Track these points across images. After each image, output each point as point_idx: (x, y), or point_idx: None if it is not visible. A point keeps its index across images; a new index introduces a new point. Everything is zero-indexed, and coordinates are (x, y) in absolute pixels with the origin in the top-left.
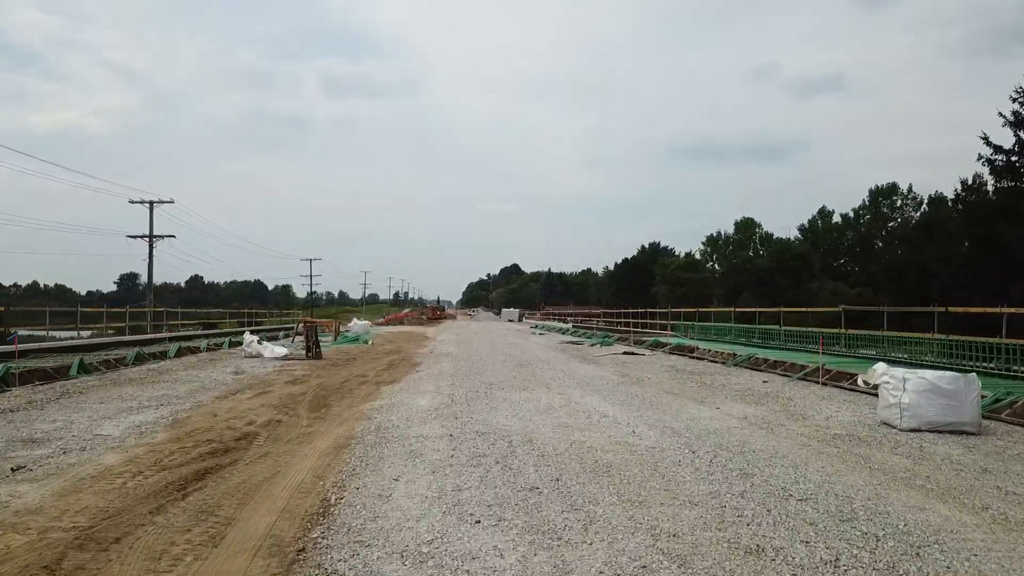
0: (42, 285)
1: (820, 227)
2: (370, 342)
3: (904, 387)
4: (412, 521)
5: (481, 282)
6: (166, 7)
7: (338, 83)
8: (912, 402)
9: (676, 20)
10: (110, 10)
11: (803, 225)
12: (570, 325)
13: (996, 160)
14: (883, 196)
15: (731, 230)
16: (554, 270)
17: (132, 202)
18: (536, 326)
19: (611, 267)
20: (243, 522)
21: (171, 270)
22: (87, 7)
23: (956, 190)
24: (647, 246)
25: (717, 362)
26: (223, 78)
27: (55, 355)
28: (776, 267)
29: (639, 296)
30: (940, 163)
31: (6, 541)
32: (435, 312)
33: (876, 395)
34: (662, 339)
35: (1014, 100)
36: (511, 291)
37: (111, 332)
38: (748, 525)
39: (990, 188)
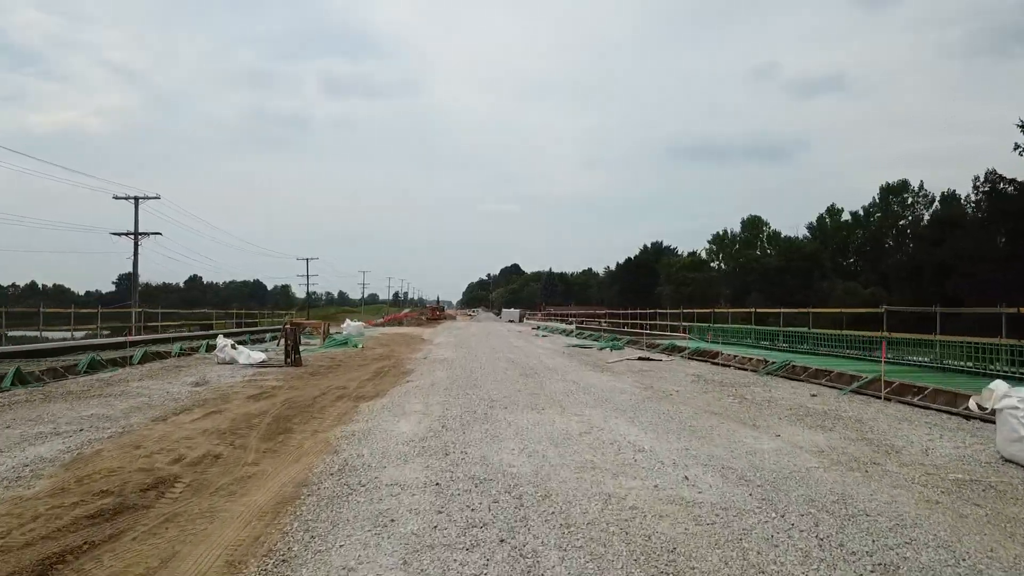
0: (40, 285)
1: (829, 225)
2: (360, 346)
3: None
4: None
5: (481, 282)
6: (166, 7)
7: (338, 83)
8: None
9: (676, 20)
10: (110, 10)
11: (811, 223)
12: (573, 326)
13: None
14: (893, 193)
15: (737, 229)
16: (554, 270)
17: (116, 198)
18: (538, 327)
19: (612, 267)
20: None
21: (170, 270)
22: (87, 7)
23: (976, 184)
24: (649, 246)
25: (745, 369)
26: (223, 78)
27: (10, 360)
28: (785, 266)
29: (643, 296)
30: (940, 163)
31: None
32: (434, 313)
33: (959, 415)
34: (679, 342)
35: None
36: (511, 291)
37: (106, 333)
38: None
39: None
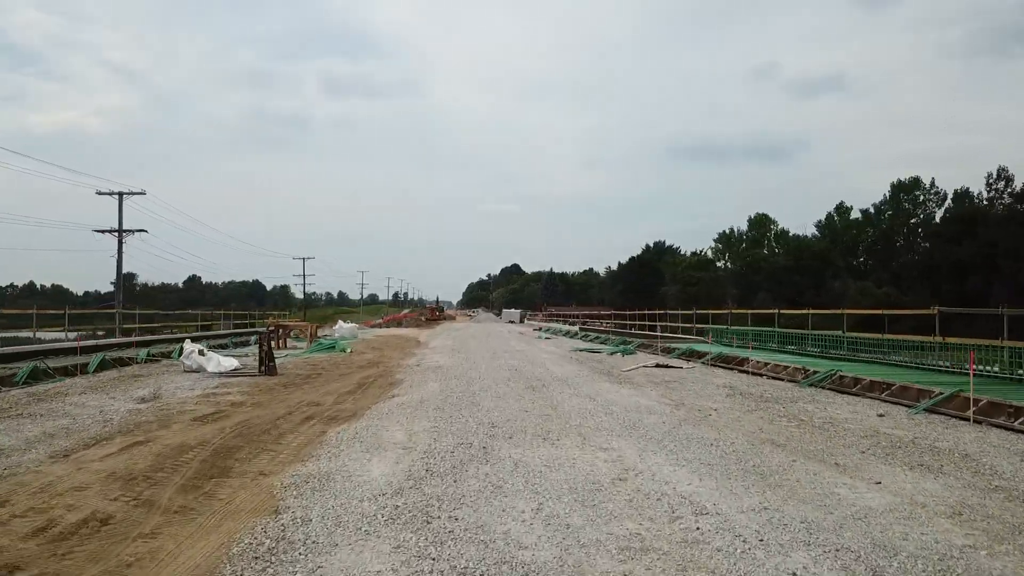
0: (39, 286)
1: (838, 224)
2: (348, 350)
3: None
4: None
5: (481, 282)
6: (166, 7)
7: (338, 83)
8: None
9: (676, 20)
10: (110, 10)
11: (820, 221)
12: (577, 327)
13: None
14: (904, 191)
15: (741, 227)
16: (554, 270)
17: (100, 193)
18: (540, 328)
19: (614, 267)
20: None
21: (169, 270)
22: (87, 7)
23: (989, 182)
24: (651, 245)
25: (780, 379)
26: (223, 78)
27: None
28: (794, 266)
29: (647, 296)
30: (940, 163)
31: None
32: (433, 313)
33: None
34: (697, 346)
35: None
36: (512, 291)
37: (101, 334)
38: None
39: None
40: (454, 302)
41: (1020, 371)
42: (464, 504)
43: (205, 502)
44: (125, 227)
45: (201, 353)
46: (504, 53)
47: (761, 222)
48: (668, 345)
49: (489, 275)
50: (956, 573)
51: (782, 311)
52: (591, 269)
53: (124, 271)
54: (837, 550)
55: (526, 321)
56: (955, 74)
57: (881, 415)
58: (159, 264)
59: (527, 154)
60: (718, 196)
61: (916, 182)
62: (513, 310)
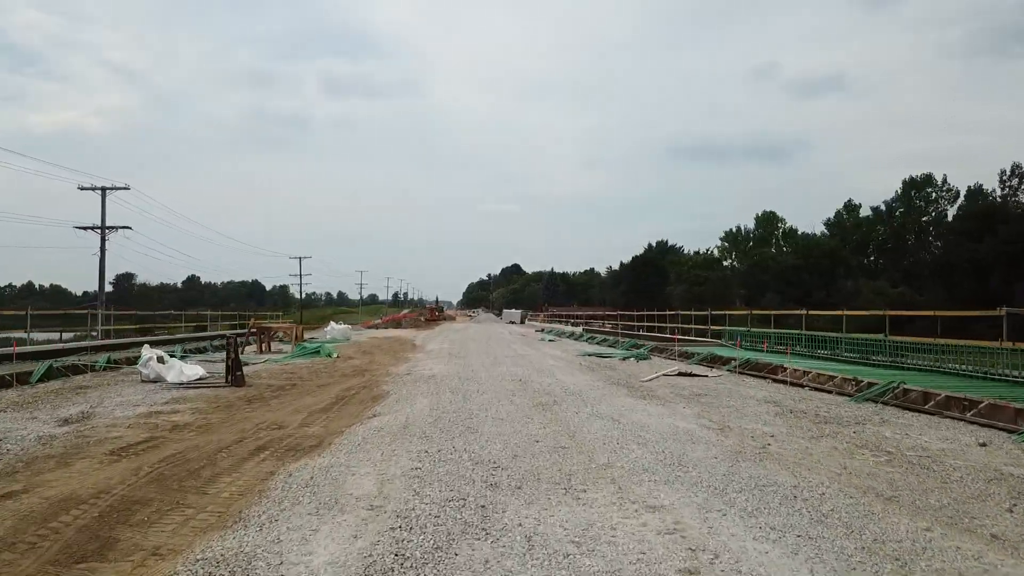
0: (37, 286)
1: (847, 221)
2: (335, 355)
3: None
4: None
5: (481, 282)
6: (166, 7)
7: (338, 83)
8: None
9: (676, 20)
10: (110, 10)
11: (829, 219)
12: (580, 329)
13: None
14: (916, 188)
15: (742, 226)
16: (555, 270)
17: (82, 188)
18: (542, 329)
19: (615, 266)
20: None
21: (169, 270)
22: (87, 7)
23: (1003, 179)
24: (654, 244)
25: (827, 391)
26: (223, 78)
27: None
28: (803, 264)
29: (651, 296)
30: (940, 163)
31: None
32: (433, 314)
33: None
34: (719, 351)
35: None
36: (512, 291)
37: (95, 335)
38: None
39: None
40: (454, 302)
41: None
42: None
43: None
44: (113, 224)
45: (160, 360)
46: (504, 53)
47: (769, 220)
48: (685, 349)
49: (489, 275)
50: None
51: (811, 312)
52: (592, 269)
53: (123, 271)
54: None
55: (527, 322)
56: (955, 74)
57: (983, 444)
58: (147, 263)
59: (527, 154)
60: (718, 196)
61: (928, 179)
62: (514, 310)
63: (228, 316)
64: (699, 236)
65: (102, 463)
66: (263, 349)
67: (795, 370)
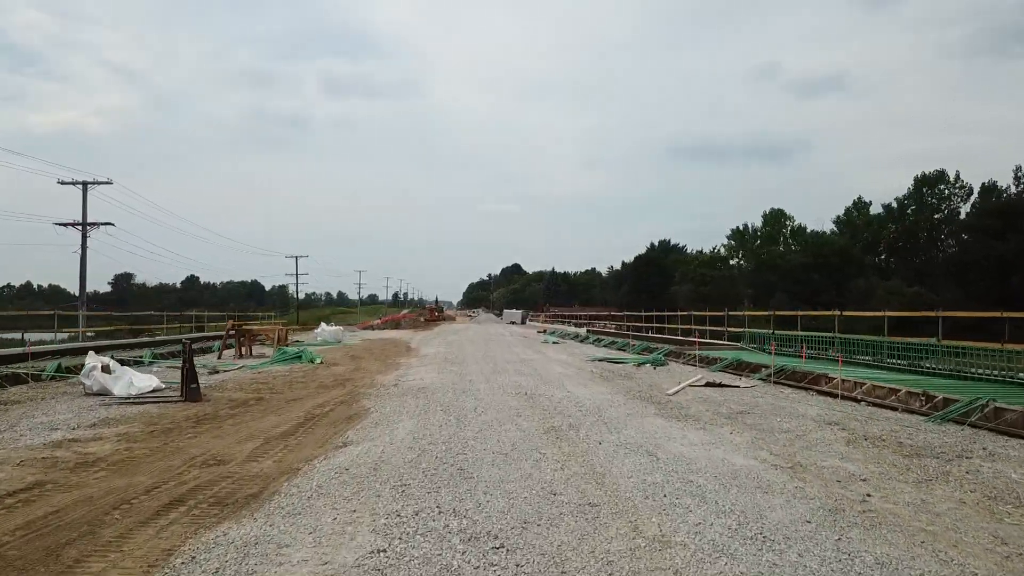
0: (36, 286)
1: (857, 219)
2: (318, 360)
3: None
4: None
5: (482, 282)
6: (166, 7)
7: (338, 83)
8: None
9: (676, 20)
10: (110, 10)
11: (839, 217)
12: (584, 330)
13: None
14: (928, 185)
15: (756, 223)
16: (555, 270)
17: (63, 183)
18: (545, 331)
19: (616, 266)
20: None
21: (169, 270)
22: (87, 7)
23: (1018, 175)
24: (656, 244)
25: (888, 407)
26: (223, 78)
27: None
28: (812, 263)
29: (655, 296)
30: (940, 163)
31: None
32: (432, 314)
33: None
34: (746, 356)
35: None
36: (513, 291)
37: (90, 335)
38: None
39: None
40: (454, 302)
41: None
42: None
43: None
44: (104, 221)
45: (106, 370)
46: (504, 53)
47: (776, 218)
48: (706, 354)
49: (489, 275)
50: None
51: (846, 313)
52: (593, 269)
53: (122, 271)
54: None
55: (528, 322)
56: (955, 74)
57: None
58: (147, 264)
59: (527, 154)
60: (718, 196)
61: (941, 175)
62: (514, 311)
63: (215, 317)
64: (700, 236)
65: None
66: (243, 353)
67: (843, 380)
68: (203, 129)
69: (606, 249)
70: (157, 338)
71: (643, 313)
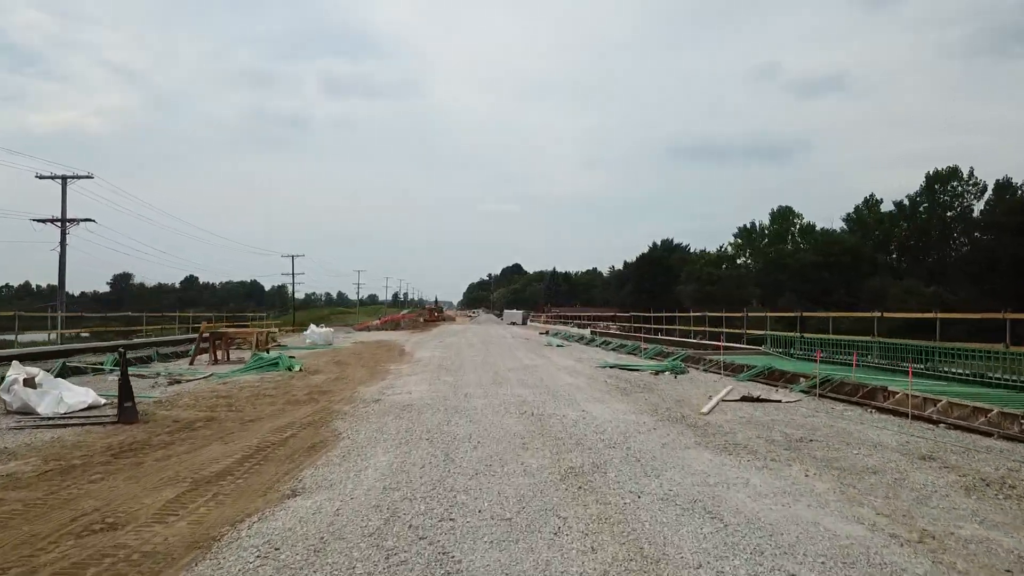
0: (34, 286)
1: (868, 217)
2: (297, 367)
3: None
4: None
5: (482, 282)
6: (166, 7)
7: (338, 83)
8: None
9: (676, 20)
10: (110, 10)
11: (849, 215)
12: (588, 331)
13: None
14: (941, 182)
15: (763, 221)
16: (556, 270)
17: (41, 177)
18: (547, 332)
19: (617, 266)
20: None
21: (167, 270)
22: (87, 7)
23: None
24: (659, 243)
25: (978, 431)
26: (223, 78)
27: None
28: (822, 262)
29: (659, 296)
30: (941, 163)
31: None
32: (432, 314)
33: None
34: (779, 364)
35: None
36: (513, 291)
37: (85, 336)
38: None
39: None
40: (454, 302)
41: None
42: None
43: None
44: (84, 218)
45: (29, 384)
46: (504, 53)
47: (784, 216)
48: (731, 360)
49: (490, 275)
50: None
51: (886, 314)
52: (594, 269)
53: (121, 270)
54: None
55: (529, 323)
56: (955, 74)
57: None
58: (155, 264)
59: (527, 154)
60: (718, 196)
61: (954, 172)
62: (515, 311)
63: (202, 317)
64: (700, 236)
65: None
66: (218, 359)
67: (908, 395)
68: (203, 129)
69: (606, 249)
70: (133, 340)
71: (651, 314)
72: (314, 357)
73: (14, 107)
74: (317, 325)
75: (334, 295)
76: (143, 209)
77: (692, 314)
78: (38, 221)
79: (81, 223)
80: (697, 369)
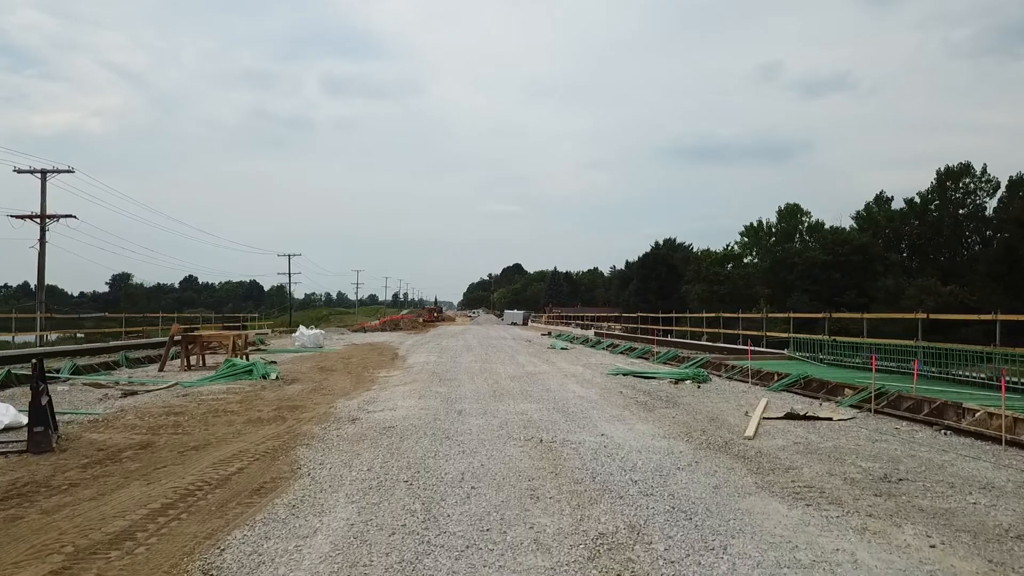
0: (32, 286)
1: (879, 215)
2: (273, 375)
3: None
4: None
5: (482, 282)
6: (167, 8)
7: (339, 83)
8: None
9: (677, 20)
10: (111, 11)
11: (859, 212)
12: (591, 333)
13: None
14: (952, 179)
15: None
16: (557, 269)
17: (19, 171)
18: (549, 333)
19: (618, 266)
20: None
21: (167, 271)
22: (89, 8)
23: None
24: (661, 243)
25: None
26: (224, 79)
27: None
28: (832, 261)
29: (665, 295)
30: (944, 163)
31: None
32: (431, 315)
33: None
34: (813, 370)
35: None
36: (514, 291)
37: (80, 337)
38: None
39: None
40: (455, 302)
41: None
42: None
43: None
44: (65, 214)
45: None
46: (505, 53)
47: (792, 213)
48: (759, 367)
49: (490, 275)
50: None
51: (932, 316)
52: (596, 268)
53: (120, 271)
54: None
55: (530, 323)
56: (961, 74)
57: None
58: (155, 265)
59: (527, 154)
60: (719, 196)
61: (967, 168)
62: (515, 311)
63: (187, 319)
64: (702, 236)
65: None
66: (191, 364)
67: (989, 413)
68: (203, 129)
69: (607, 249)
70: (110, 343)
71: (660, 315)
72: (298, 362)
73: (16, 108)
74: (308, 327)
75: (334, 295)
76: (143, 210)
77: (705, 315)
78: (16, 217)
79: (61, 219)
80: (720, 376)
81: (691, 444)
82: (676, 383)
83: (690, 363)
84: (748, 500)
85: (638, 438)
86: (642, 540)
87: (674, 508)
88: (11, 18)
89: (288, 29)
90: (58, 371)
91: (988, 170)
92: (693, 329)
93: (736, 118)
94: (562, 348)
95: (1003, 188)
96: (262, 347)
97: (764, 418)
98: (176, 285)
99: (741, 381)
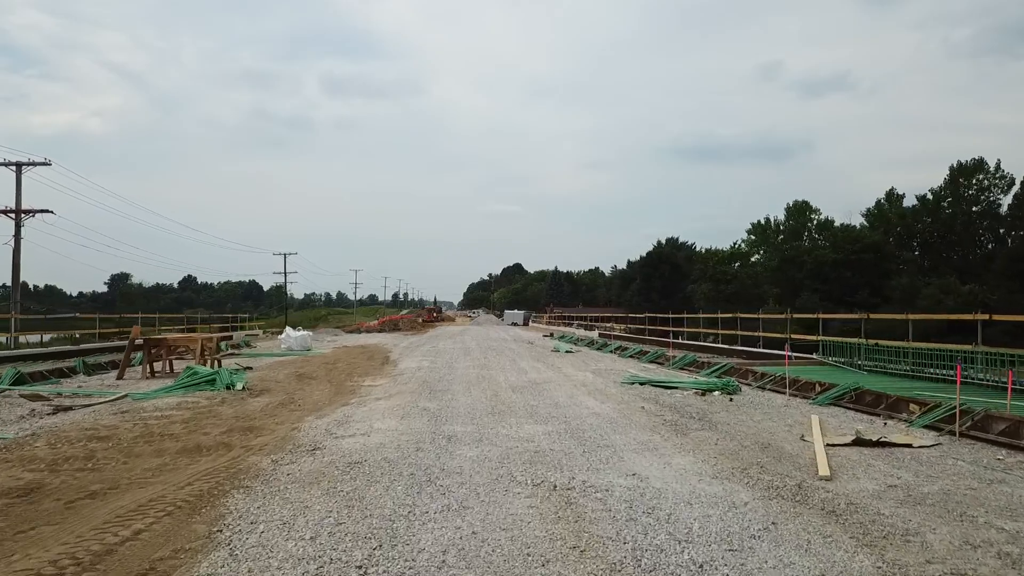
0: (32, 286)
1: (890, 212)
2: (239, 386)
3: None
4: None
5: (482, 282)
6: (167, 8)
7: (339, 83)
8: None
9: (678, 19)
10: (112, 11)
11: (869, 210)
12: (595, 334)
13: None
14: (965, 175)
15: (776, 217)
16: (558, 269)
17: None
18: (552, 335)
19: (619, 266)
20: None
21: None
22: (89, 9)
23: None
24: (664, 242)
25: None
26: (224, 79)
27: None
28: (842, 260)
29: (669, 295)
30: (944, 163)
31: None
32: (430, 315)
33: None
34: (867, 382)
35: None
36: (514, 291)
37: (77, 338)
38: None
39: None
40: (455, 303)
41: None
42: None
43: None
44: (41, 208)
45: None
46: (504, 53)
47: (800, 210)
48: (795, 376)
49: (490, 275)
50: None
51: (995, 317)
52: (597, 268)
53: (119, 271)
54: None
55: (531, 324)
56: (961, 74)
57: None
58: (154, 265)
59: (527, 154)
60: (720, 196)
61: (980, 164)
62: (516, 311)
63: (175, 320)
64: (703, 236)
65: None
66: (153, 372)
67: None
68: (203, 129)
69: (607, 249)
70: (83, 346)
71: (670, 315)
72: (277, 367)
73: (16, 108)
74: (296, 328)
75: (334, 295)
76: (143, 210)
77: (720, 315)
78: None
79: (37, 214)
80: (749, 386)
81: (754, 490)
82: (703, 394)
83: (711, 369)
84: None
85: (681, 479)
86: None
87: None
88: (11, 18)
89: (288, 29)
90: None
91: (1002, 166)
92: (705, 331)
93: (736, 118)
94: (567, 351)
95: (1017, 185)
96: (245, 350)
97: (827, 444)
98: (175, 285)
99: (776, 391)
